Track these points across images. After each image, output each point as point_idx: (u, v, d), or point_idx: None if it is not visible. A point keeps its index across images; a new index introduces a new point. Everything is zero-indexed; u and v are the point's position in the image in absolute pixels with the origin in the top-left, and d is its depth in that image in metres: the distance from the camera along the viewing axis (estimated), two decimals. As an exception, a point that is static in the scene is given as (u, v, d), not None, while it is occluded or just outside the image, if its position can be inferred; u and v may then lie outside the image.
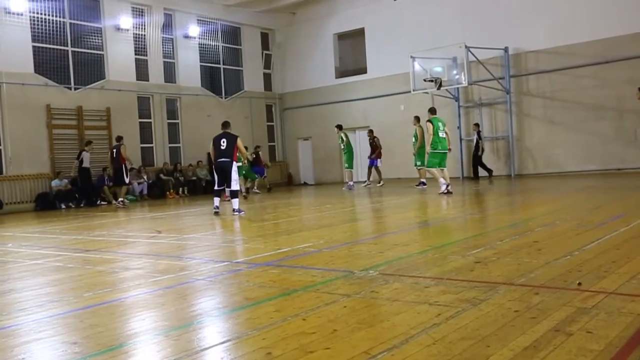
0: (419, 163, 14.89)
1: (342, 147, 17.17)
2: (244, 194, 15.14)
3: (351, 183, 17.08)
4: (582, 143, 16.70)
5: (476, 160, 17.39)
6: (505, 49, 17.64)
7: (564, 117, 17.10)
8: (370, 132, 17.72)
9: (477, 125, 17.63)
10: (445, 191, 11.75)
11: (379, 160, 17.38)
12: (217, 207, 10.86)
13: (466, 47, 16.54)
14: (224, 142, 10.63)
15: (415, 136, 15.26)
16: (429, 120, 12.48)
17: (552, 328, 2.74)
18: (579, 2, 16.50)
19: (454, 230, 7.05)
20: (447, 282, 3.85)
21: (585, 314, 2.94)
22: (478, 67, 17.46)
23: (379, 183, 17.17)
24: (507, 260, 4.48)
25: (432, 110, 12.91)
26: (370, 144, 17.47)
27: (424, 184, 14.73)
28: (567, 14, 16.66)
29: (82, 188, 16.40)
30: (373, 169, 17.45)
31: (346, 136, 17.18)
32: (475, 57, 16.91)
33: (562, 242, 5.26)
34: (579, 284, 3.58)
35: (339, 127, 17.37)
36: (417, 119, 15.27)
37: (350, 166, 17.21)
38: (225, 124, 10.97)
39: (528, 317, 2.94)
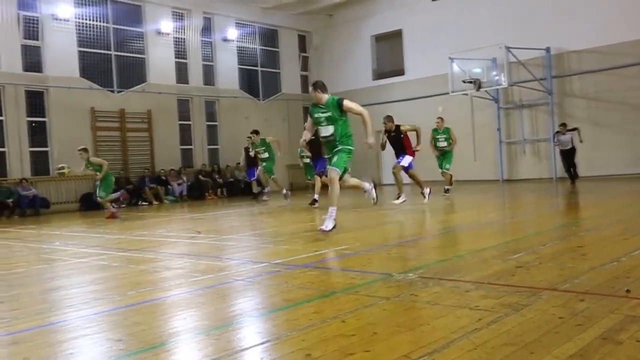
0: (447, 167, 13.50)
1: (260, 152, 14.72)
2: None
3: (285, 191, 14.99)
4: (629, 145, 16.15)
5: None
6: (547, 49, 17.23)
7: (609, 118, 16.58)
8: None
9: None
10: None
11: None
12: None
13: (506, 47, 16.24)
14: None
15: (447, 139, 13.56)
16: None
17: (599, 336, 2.66)
18: (621, 0, 15.99)
19: (493, 233, 6.92)
20: (488, 286, 3.79)
21: (635, 322, 2.84)
22: (519, 68, 17.12)
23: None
24: (550, 265, 4.38)
25: None
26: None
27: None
28: (610, 13, 16.15)
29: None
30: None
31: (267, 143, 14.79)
32: (516, 58, 16.58)
33: (608, 247, 5.10)
34: (628, 290, 3.46)
35: (256, 132, 14.83)
36: (441, 120, 13.96)
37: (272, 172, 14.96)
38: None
39: (573, 324, 2.86)
